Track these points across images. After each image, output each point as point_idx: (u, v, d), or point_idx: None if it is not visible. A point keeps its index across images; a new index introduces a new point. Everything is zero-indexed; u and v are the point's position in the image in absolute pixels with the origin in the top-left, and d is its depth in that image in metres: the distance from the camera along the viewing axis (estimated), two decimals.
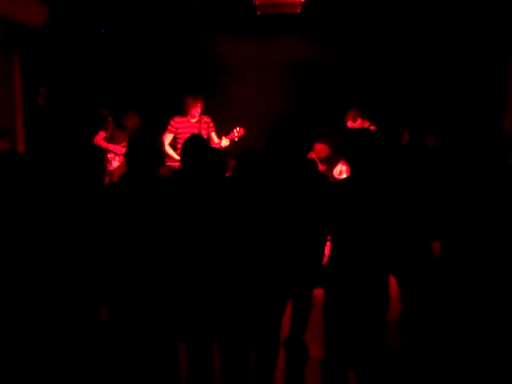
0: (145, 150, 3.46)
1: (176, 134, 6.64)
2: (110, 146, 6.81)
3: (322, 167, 6.97)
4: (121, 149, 6.76)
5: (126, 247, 3.32)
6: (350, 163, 3.44)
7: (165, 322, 3.40)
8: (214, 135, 6.78)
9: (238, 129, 6.72)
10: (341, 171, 6.94)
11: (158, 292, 3.33)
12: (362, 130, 3.71)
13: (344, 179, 3.64)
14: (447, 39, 7.17)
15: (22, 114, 7.11)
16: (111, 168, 6.85)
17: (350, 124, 6.94)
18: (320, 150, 7.13)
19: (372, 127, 6.73)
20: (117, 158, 6.85)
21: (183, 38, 7.77)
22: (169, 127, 6.66)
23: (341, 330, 3.38)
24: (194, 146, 3.70)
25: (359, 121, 6.89)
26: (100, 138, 6.85)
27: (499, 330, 3.53)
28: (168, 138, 6.61)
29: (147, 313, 3.34)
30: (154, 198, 3.40)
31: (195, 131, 6.54)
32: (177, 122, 6.66)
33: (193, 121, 6.66)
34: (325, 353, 3.47)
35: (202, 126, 6.65)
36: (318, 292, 4.31)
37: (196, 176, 3.50)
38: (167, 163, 6.41)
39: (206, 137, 6.63)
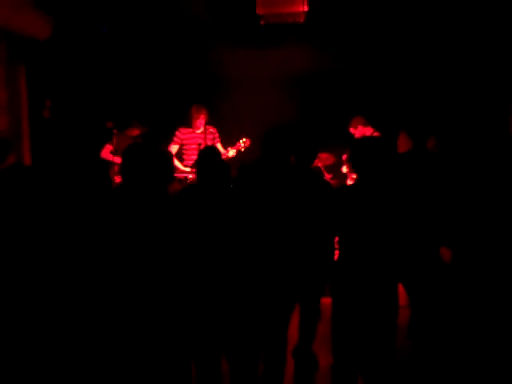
0: (142, 161, 3.47)
1: (182, 145, 6.65)
2: (116, 159, 6.83)
3: (327, 175, 6.95)
4: None
5: (133, 257, 3.32)
6: (356, 171, 3.45)
7: (173, 336, 3.38)
8: (219, 146, 6.77)
9: (244, 139, 6.71)
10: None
11: (164, 301, 3.32)
12: (367, 139, 3.73)
13: (351, 186, 3.64)
14: (451, 45, 7.17)
15: (28, 127, 7.15)
16: (118, 180, 6.87)
17: (352, 131, 6.96)
18: (325, 158, 7.13)
19: (376, 133, 6.74)
20: None
21: (186, 48, 7.79)
22: (174, 138, 6.67)
23: (349, 336, 3.36)
24: (209, 157, 3.71)
25: (360, 128, 6.89)
26: (107, 152, 6.86)
27: (508, 336, 3.50)
28: (173, 148, 6.61)
29: (152, 323, 3.32)
30: (160, 208, 3.40)
31: (201, 142, 6.54)
32: (182, 133, 6.67)
33: (198, 132, 6.67)
34: (333, 359, 3.45)
35: (208, 136, 6.65)
36: (326, 301, 4.31)
37: (208, 187, 3.51)
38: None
39: None
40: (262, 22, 7.12)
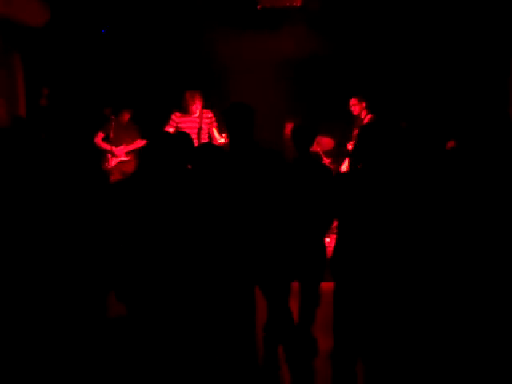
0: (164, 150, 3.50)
1: (177, 128, 6.60)
2: (108, 147, 6.91)
3: (326, 160, 6.94)
4: (120, 150, 6.97)
5: (135, 242, 3.33)
6: (361, 157, 3.42)
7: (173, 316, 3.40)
8: (215, 131, 6.73)
9: None
10: (347, 167, 6.95)
11: (166, 284, 3.33)
12: (372, 125, 3.70)
13: (350, 172, 3.62)
14: (450, 31, 7.14)
15: (25, 115, 7.13)
16: (109, 166, 6.92)
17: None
18: (325, 143, 7.11)
19: (369, 116, 6.74)
20: (113, 158, 6.95)
21: (183, 34, 7.75)
22: (170, 122, 6.63)
23: (351, 320, 3.35)
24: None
25: (355, 101, 6.89)
26: (99, 139, 6.93)
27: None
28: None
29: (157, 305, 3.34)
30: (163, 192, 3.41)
31: (196, 126, 6.52)
32: (178, 116, 6.63)
33: (195, 116, 6.63)
34: (334, 343, 3.45)
35: (204, 121, 6.61)
36: (325, 285, 4.32)
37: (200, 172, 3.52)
38: None
39: (207, 132, 6.62)
40: (258, 7, 7.08)
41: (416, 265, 4.17)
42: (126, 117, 7.07)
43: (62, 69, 7.50)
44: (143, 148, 3.59)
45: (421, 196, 3.67)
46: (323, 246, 4.34)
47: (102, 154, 6.94)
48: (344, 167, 6.99)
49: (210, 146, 3.76)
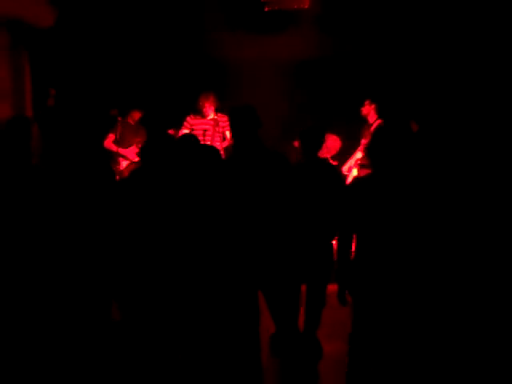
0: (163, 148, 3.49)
1: (192, 130, 6.62)
2: (119, 150, 6.89)
3: (333, 163, 6.91)
4: (130, 152, 6.91)
5: (138, 242, 3.32)
6: (372, 162, 3.36)
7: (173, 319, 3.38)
8: (228, 134, 6.73)
9: None
10: (350, 168, 6.94)
11: (167, 288, 3.32)
12: (382, 130, 3.64)
13: (366, 176, 3.55)
14: (459, 30, 7.09)
15: (32, 115, 7.13)
16: (121, 168, 6.91)
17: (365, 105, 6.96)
18: (332, 145, 7.07)
19: (379, 121, 6.71)
20: (124, 160, 6.95)
21: (190, 36, 7.75)
22: (185, 123, 6.71)
23: (369, 328, 3.27)
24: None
25: (367, 102, 6.86)
26: (110, 141, 6.90)
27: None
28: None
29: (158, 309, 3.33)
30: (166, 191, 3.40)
31: (210, 129, 6.52)
32: (192, 118, 6.68)
33: (209, 118, 6.64)
34: (349, 353, 3.38)
35: (221, 124, 6.62)
36: (331, 287, 4.29)
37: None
38: None
39: (220, 135, 6.64)
40: (266, 9, 7.08)
41: (435, 273, 4.11)
42: (137, 116, 7.05)
43: (69, 69, 7.51)
44: (141, 149, 3.60)
45: (431, 199, 3.62)
46: (330, 249, 4.32)
47: (111, 156, 6.93)
48: (346, 168, 6.99)
49: (211, 148, 3.73)
